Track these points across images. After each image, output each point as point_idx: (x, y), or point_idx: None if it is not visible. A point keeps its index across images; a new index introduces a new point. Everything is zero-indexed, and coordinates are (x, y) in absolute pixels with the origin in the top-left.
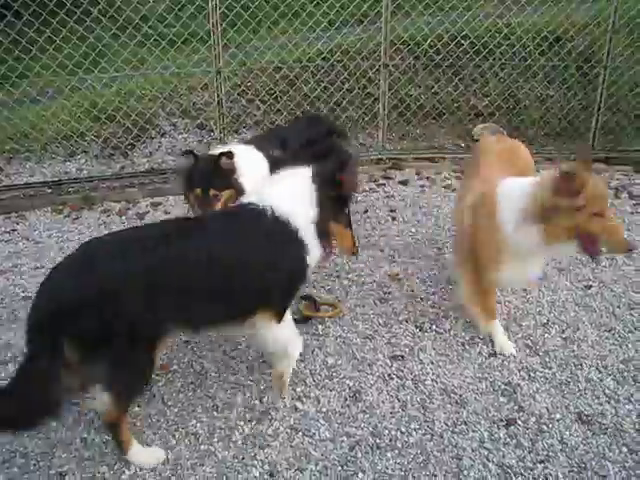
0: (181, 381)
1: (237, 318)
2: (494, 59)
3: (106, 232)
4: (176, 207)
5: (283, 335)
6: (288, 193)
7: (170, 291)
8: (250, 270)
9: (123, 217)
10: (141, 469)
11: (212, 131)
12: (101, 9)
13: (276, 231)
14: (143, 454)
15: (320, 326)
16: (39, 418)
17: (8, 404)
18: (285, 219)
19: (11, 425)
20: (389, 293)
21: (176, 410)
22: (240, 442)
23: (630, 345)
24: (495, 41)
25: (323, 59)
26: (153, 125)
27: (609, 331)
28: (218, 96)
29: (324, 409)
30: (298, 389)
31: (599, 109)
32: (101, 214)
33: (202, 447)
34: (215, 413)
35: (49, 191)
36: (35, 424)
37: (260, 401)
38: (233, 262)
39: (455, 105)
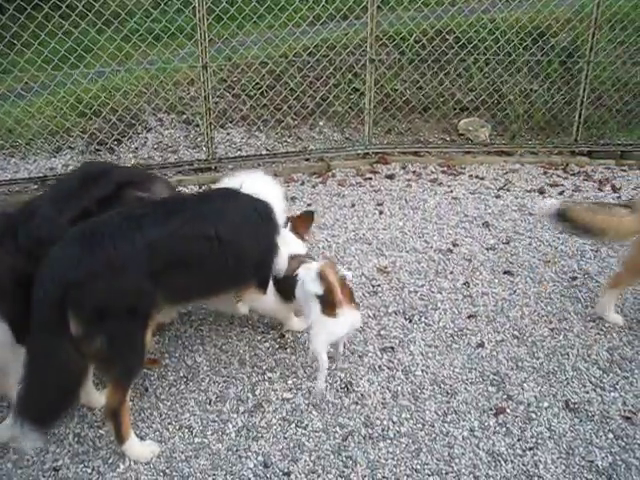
0: (173, 375)
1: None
2: (479, 54)
3: None
4: None
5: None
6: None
7: (170, 266)
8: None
9: None
10: (136, 463)
11: (198, 126)
12: (86, 3)
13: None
14: (138, 448)
15: None
16: (66, 399)
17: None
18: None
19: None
20: (378, 286)
21: (169, 404)
22: (233, 434)
23: (615, 334)
24: (480, 36)
25: (309, 54)
26: (139, 120)
27: (594, 321)
28: (205, 91)
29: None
30: (290, 381)
31: (582, 103)
32: None
33: (196, 440)
34: (208, 406)
35: (35, 187)
36: (64, 407)
37: (252, 393)
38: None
39: (440, 100)
